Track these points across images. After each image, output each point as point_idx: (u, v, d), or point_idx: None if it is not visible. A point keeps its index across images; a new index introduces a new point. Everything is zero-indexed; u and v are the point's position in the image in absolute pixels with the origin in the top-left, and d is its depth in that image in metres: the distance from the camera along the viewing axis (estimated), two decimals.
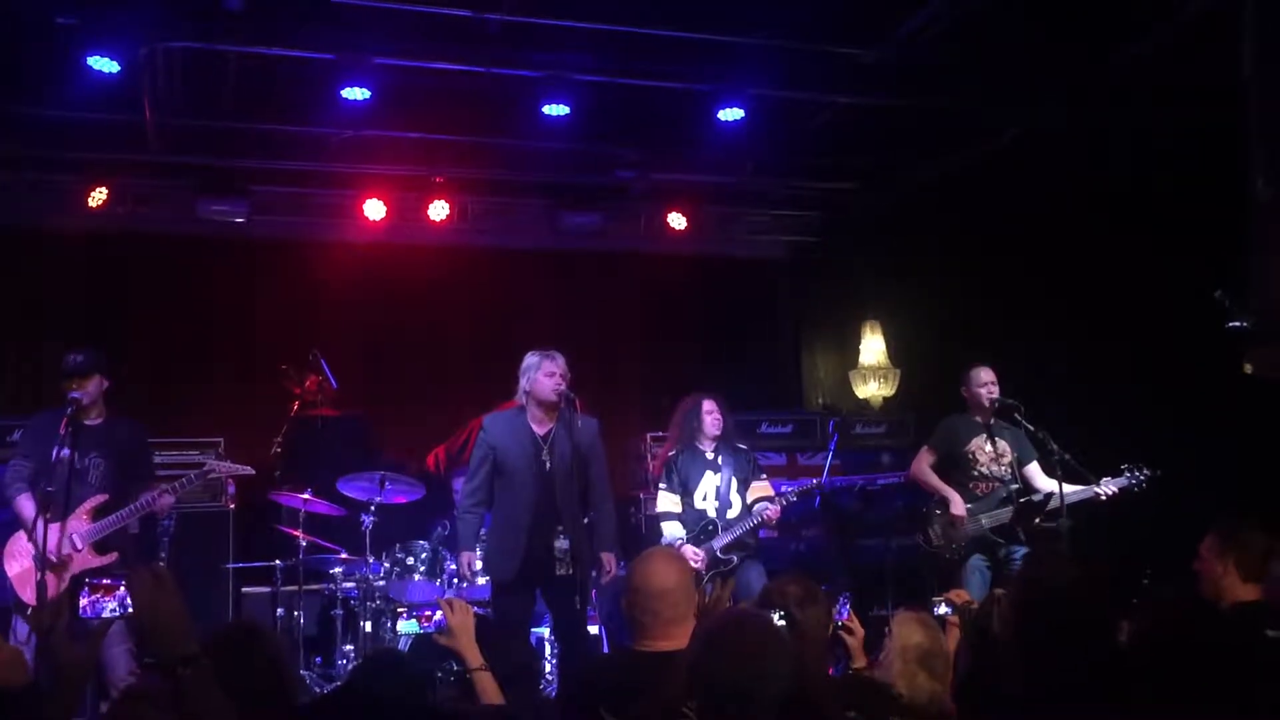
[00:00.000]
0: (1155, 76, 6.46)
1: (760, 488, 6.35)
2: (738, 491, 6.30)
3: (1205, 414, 6.25)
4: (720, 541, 6.18)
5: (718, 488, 6.28)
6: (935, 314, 8.67)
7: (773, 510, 6.20)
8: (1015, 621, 2.63)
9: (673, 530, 6.24)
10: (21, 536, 5.40)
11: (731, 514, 6.26)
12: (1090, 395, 6.88)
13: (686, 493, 6.29)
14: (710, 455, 6.34)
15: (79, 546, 5.36)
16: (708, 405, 6.36)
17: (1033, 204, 7.41)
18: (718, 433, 6.33)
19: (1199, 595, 3.82)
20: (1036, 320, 7.44)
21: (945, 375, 6.94)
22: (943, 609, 4.07)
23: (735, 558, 6.18)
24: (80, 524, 5.39)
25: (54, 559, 5.21)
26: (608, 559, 5.69)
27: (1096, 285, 7.05)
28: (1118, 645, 2.61)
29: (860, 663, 3.94)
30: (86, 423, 5.49)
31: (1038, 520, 6.22)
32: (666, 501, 6.32)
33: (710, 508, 6.26)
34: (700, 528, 6.23)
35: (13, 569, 5.38)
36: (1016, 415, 6.28)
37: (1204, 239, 6.10)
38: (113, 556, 5.47)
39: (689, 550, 6.10)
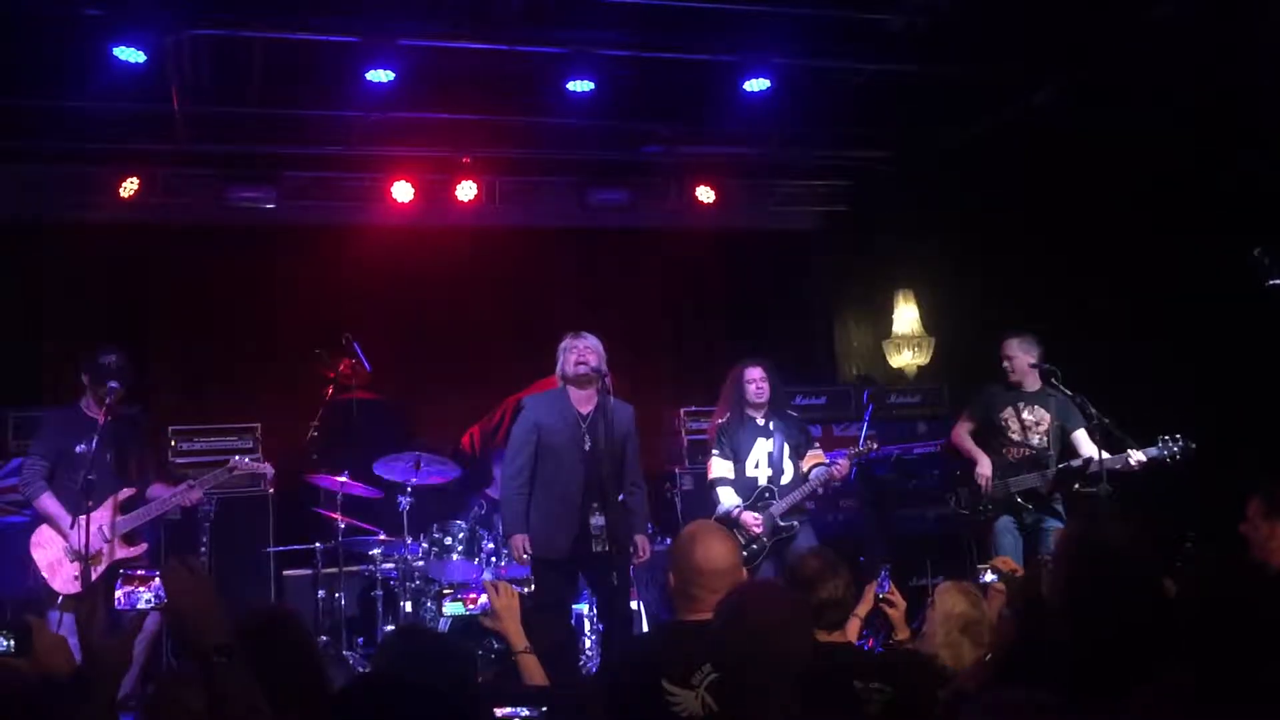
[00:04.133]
0: (1185, 37, 6.34)
1: (815, 455, 6.27)
2: (790, 458, 6.22)
3: (1244, 378, 6.17)
4: (779, 508, 6.10)
5: (770, 454, 6.19)
6: (968, 281, 8.59)
7: (839, 468, 6.10)
8: (1064, 581, 2.60)
9: (728, 497, 6.16)
10: (45, 528, 5.52)
11: (785, 480, 6.17)
12: (1125, 359, 6.80)
13: (738, 460, 6.20)
14: (761, 422, 6.25)
15: (108, 537, 5.47)
16: (750, 373, 6.28)
17: (1065, 169, 7.31)
18: (761, 400, 6.23)
19: (1247, 558, 3.79)
20: (1070, 285, 7.35)
21: (980, 343, 6.89)
22: (988, 576, 4.05)
23: (795, 523, 6.11)
24: (107, 515, 5.49)
25: (87, 550, 5.33)
26: (642, 541, 5.71)
27: (1131, 248, 6.95)
28: (1167, 603, 2.57)
29: (903, 635, 3.93)
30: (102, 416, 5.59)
31: (1077, 486, 6.19)
32: (721, 468, 6.23)
33: (763, 475, 6.17)
34: (756, 495, 6.15)
35: (42, 559, 5.49)
36: (1053, 380, 6.23)
37: (1243, 199, 6.01)
38: (143, 547, 5.62)
39: (748, 517, 6.05)
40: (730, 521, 6.06)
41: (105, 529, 5.47)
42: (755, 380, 6.26)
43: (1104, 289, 7.14)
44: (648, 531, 5.92)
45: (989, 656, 3.21)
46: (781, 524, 6.10)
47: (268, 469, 6.28)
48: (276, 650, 2.56)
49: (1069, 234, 7.36)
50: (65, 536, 5.46)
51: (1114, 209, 7.04)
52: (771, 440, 6.21)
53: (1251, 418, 6.08)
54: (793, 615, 2.60)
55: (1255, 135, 6.04)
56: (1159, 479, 6.02)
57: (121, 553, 5.52)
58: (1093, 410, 5.98)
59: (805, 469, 6.21)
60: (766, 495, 6.14)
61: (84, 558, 5.23)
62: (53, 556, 5.47)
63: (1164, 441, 5.97)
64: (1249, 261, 5.05)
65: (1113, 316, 7.06)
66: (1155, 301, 6.74)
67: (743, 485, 6.18)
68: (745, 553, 6.04)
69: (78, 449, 5.54)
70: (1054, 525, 6.24)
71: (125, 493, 5.57)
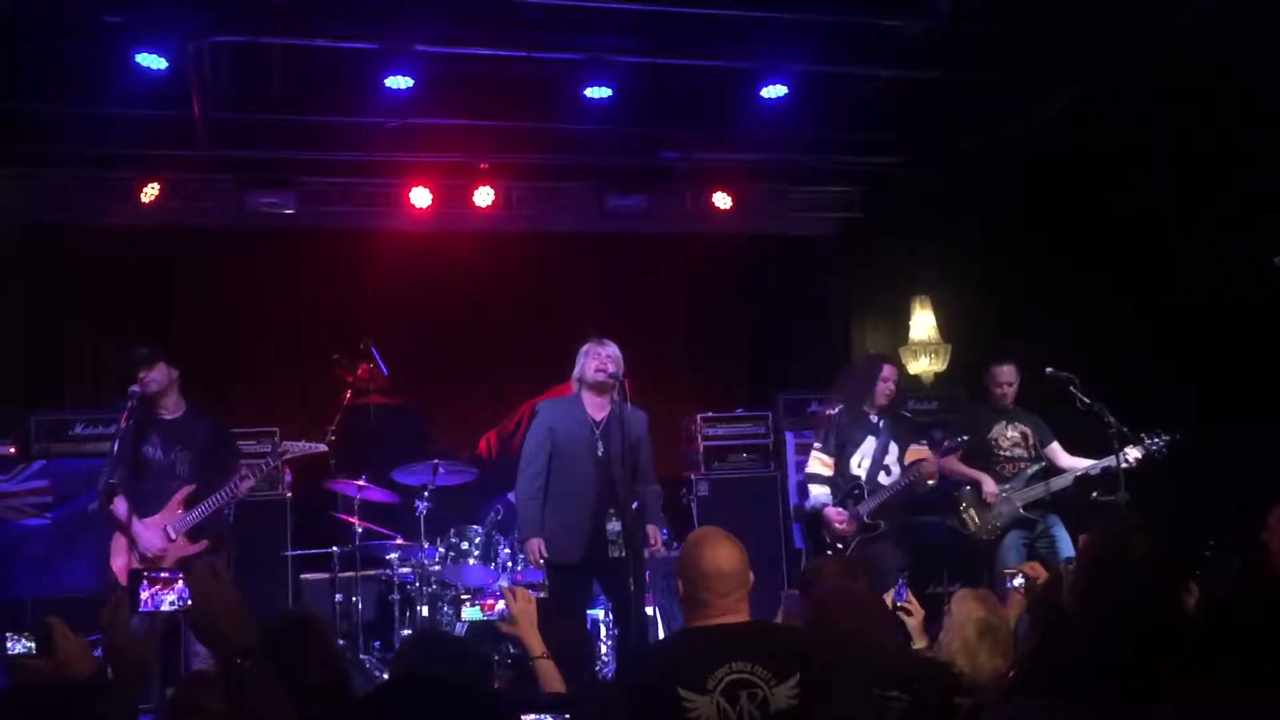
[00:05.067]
0: (1204, 40, 6.31)
1: (917, 451, 6.20)
2: (897, 459, 6.17)
3: (1265, 386, 6.13)
4: (867, 506, 6.04)
5: (874, 453, 6.15)
6: (986, 287, 8.56)
7: (930, 464, 6.01)
8: (1082, 591, 2.59)
9: (820, 492, 6.14)
10: (119, 536, 5.57)
11: (885, 480, 6.13)
12: (1144, 366, 6.77)
13: (843, 456, 6.17)
14: (874, 419, 6.22)
15: (173, 537, 5.53)
16: (887, 370, 6.23)
17: (1081, 175, 7.29)
18: (885, 403, 6.21)
19: (1270, 565, 3.77)
20: (1088, 293, 7.32)
21: (998, 349, 6.88)
22: (1017, 581, 4.04)
23: (882, 524, 6.05)
24: (173, 515, 5.54)
25: (150, 554, 5.42)
26: (653, 531, 5.73)
27: (1148, 255, 6.92)
28: (1186, 613, 2.57)
29: (921, 643, 3.92)
30: (165, 417, 5.64)
31: (1095, 494, 6.19)
32: (817, 464, 6.22)
33: (863, 473, 6.14)
34: (846, 491, 6.10)
35: (117, 563, 5.55)
36: (1072, 388, 6.22)
37: (1259, 204, 5.98)
38: (204, 544, 5.62)
39: (833, 512, 6.02)
40: (816, 517, 6.04)
41: (171, 529, 5.52)
42: (889, 379, 6.21)
43: (1122, 296, 7.10)
44: (660, 523, 5.91)
45: (1011, 673, 3.20)
46: (868, 522, 6.03)
47: (320, 448, 6.18)
48: (300, 653, 2.57)
49: (1087, 241, 7.33)
50: (132, 542, 5.50)
51: (1132, 216, 7.00)
52: (878, 440, 6.17)
53: (1273, 426, 6.04)
54: (886, 620, 2.61)
55: (1266, 141, 6.01)
56: (1178, 486, 6.00)
57: (187, 550, 5.55)
58: (1110, 419, 5.97)
59: (907, 464, 6.15)
60: (855, 491, 6.10)
61: (133, 556, 5.29)
62: (125, 563, 5.51)
63: (1148, 438, 6.04)
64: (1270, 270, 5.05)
65: (1131, 324, 7.02)
66: (1176, 309, 6.71)
67: (842, 481, 6.16)
68: (830, 551, 6.04)
69: (145, 453, 5.58)
70: (1058, 527, 6.33)
71: (186, 489, 5.58)
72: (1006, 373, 6.61)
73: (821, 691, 2.63)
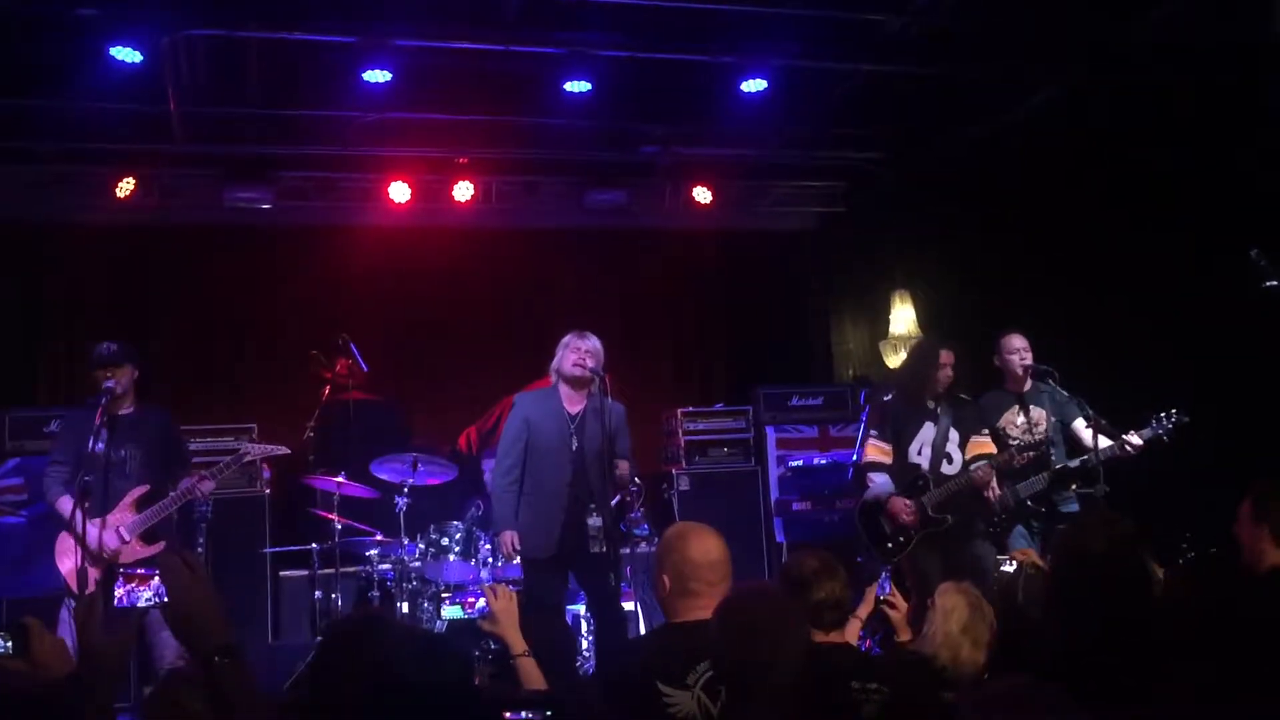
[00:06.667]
0: (1183, 36, 6.34)
1: (980, 444, 5.98)
2: (958, 445, 5.94)
3: (1242, 380, 6.17)
4: (932, 499, 5.81)
5: (934, 440, 5.92)
6: (965, 282, 8.59)
7: (984, 472, 5.74)
8: (1051, 583, 2.60)
9: (882, 480, 5.93)
10: (66, 535, 5.41)
11: (948, 469, 5.89)
12: (1122, 361, 6.80)
13: (900, 444, 5.96)
14: (930, 405, 5.98)
15: (126, 538, 5.42)
16: (945, 356, 5.97)
17: (1062, 170, 7.31)
18: (943, 389, 5.96)
19: (1237, 559, 3.79)
20: (1067, 287, 7.35)
21: (976, 343, 6.88)
22: (1009, 566, 4.05)
23: (949, 518, 5.80)
24: (125, 516, 5.44)
25: (105, 554, 5.27)
26: (622, 463, 5.61)
27: (1128, 250, 6.95)
28: (1152, 606, 2.57)
29: (905, 637, 3.93)
30: (120, 413, 5.54)
31: (1075, 486, 6.14)
32: (875, 453, 5.99)
33: (924, 462, 5.91)
34: (910, 481, 5.88)
35: (65, 565, 5.40)
36: (1050, 381, 6.21)
37: (1241, 201, 6.01)
38: (161, 545, 5.52)
39: (899, 503, 5.80)
40: (879, 506, 5.89)
41: (123, 530, 5.40)
42: (949, 365, 5.97)
43: (1101, 291, 7.14)
44: (632, 463, 5.81)
45: (987, 677, 3.22)
46: (933, 516, 5.80)
47: (282, 450, 6.14)
48: (371, 653, 2.50)
49: (1066, 235, 7.36)
50: (80, 541, 5.29)
51: (1111, 210, 7.04)
52: (937, 426, 5.96)
53: (1249, 420, 6.08)
54: (787, 617, 2.61)
55: (1253, 136, 6.05)
56: (1157, 479, 6.01)
57: (141, 552, 5.43)
58: (1090, 411, 5.97)
59: (968, 457, 5.93)
60: (920, 483, 5.89)
61: (81, 556, 5.19)
62: (75, 563, 5.32)
63: (1157, 420, 5.88)
64: (1248, 263, 5.07)
65: (1110, 318, 7.05)
66: (1153, 304, 6.74)
67: (902, 470, 5.95)
68: (890, 544, 5.86)
69: (89, 446, 5.40)
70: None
71: (139, 490, 5.50)
72: (1015, 340, 6.29)
73: (732, 690, 2.64)
